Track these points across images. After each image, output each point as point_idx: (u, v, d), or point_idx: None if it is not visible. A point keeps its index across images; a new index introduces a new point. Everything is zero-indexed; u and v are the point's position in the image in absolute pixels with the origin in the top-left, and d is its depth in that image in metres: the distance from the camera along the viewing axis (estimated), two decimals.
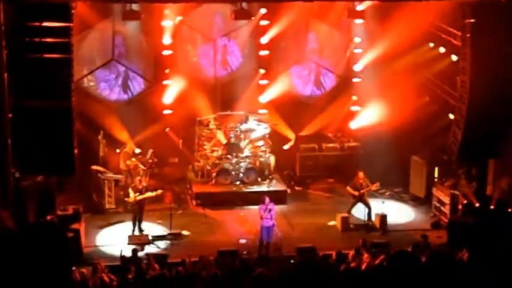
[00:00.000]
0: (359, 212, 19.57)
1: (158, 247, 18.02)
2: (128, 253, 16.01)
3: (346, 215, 19.37)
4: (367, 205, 19.47)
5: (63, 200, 18.40)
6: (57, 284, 12.69)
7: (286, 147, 23.63)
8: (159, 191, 19.34)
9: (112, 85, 23.44)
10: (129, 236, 18.28)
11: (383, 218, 19.22)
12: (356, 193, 19.40)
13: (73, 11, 16.53)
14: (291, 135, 23.73)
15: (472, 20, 17.95)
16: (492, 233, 15.68)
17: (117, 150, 21.83)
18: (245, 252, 16.75)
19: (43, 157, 16.08)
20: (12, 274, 12.85)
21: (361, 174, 19.50)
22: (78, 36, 19.72)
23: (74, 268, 14.21)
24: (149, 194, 18.86)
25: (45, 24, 15.79)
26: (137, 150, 21.83)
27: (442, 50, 20.82)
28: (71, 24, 16.26)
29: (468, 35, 18.25)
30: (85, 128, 21.09)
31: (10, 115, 15.50)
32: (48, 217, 16.48)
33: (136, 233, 18.55)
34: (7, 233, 14.33)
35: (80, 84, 22.00)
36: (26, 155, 15.88)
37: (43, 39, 15.77)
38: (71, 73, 16.39)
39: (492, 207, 17.73)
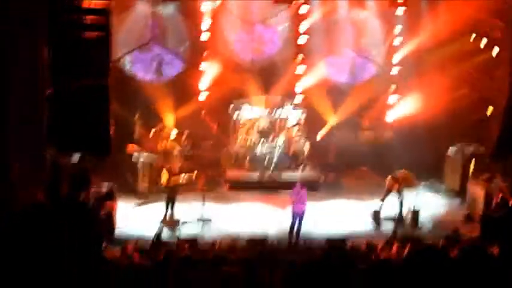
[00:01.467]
0: (392, 203, 19.42)
1: (189, 231, 18.12)
2: (158, 235, 16.10)
3: (379, 205, 19.22)
4: (401, 196, 19.28)
5: (98, 180, 18.55)
6: (88, 262, 12.81)
7: (319, 135, 23.42)
8: (194, 173, 19.42)
9: (147, 67, 23.52)
10: (162, 219, 18.38)
11: (416, 210, 19.06)
12: (396, 185, 19.13)
13: None
14: (326, 123, 23.59)
15: None
16: None
17: (152, 131, 21.95)
18: (276, 241, 16.69)
19: (79, 136, 16.17)
20: (44, 251, 13.03)
21: (405, 172, 19.20)
22: (117, 16, 19.79)
23: (105, 246, 14.37)
24: (183, 176, 18.91)
25: (85, 3, 15.89)
26: (173, 132, 21.93)
27: (483, 41, 20.50)
28: (111, 3, 16.33)
29: (510, 26, 17.91)
30: (121, 108, 21.28)
31: (49, 91, 15.61)
32: (83, 195, 16.63)
33: (169, 215, 18.66)
34: (41, 208, 14.49)
35: (117, 65, 22.12)
36: (62, 133, 16.00)
37: (82, 18, 15.86)
38: (109, 52, 16.45)
39: None
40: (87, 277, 12.11)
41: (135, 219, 18.73)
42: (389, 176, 19.38)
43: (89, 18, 15.90)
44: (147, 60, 23.50)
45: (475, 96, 21.37)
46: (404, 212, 19.22)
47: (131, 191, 20.45)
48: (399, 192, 19.19)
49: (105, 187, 18.18)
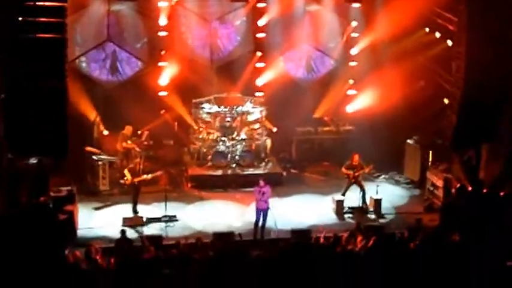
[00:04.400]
0: (354, 195, 19.60)
1: (153, 229, 18.01)
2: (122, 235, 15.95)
3: (341, 198, 19.39)
4: (362, 188, 19.50)
5: (57, 182, 18.34)
6: (50, 265, 12.66)
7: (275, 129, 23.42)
8: (158, 173, 19.34)
9: (101, 66, 23.27)
10: (124, 218, 18.26)
11: (377, 201, 19.29)
12: (350, 173, 19.42)
13: None
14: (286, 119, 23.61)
15: (467, 5, 17.91)
16: (484, 216, 15.75)
17: (105, 132, 21.84)
18: (239, 234, 16.67)
19: (36, 138, 15.97)
20: (4, 256, 12.84)
21: (356, 157, 19.53)
22: (73, 16, 19.56)
23: (67, 250, 14.20)
24: (147, 176, 18.83)
25: (40, 3, 15.66)
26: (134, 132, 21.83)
27: (437, 34, 20.78)
28: (66, 4, 16.14)
29: (463, 20, 18.20)
30: (79, 109, 21.09)
31: (2, 96, 15.37)
32: (41, 198, 16.43)
33: (132, 214, 18.55)
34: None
35: (74, 65, 21.88)
36: (19, 136, 15.78)
37: (37, 19, 15.63)
38: (65, 54, 16.27)
39: (485, 191, 17.77)
40: (50, 280, 11.98)
41: (97, 220, 18.57)
42: (343, 168, 19.61)
43: (45, 18, 15.70)
44: (104, 60, 23.22)
45: (431, 88, 21.63)
46: (366, 202, 19.46)
47: (92, 192, 20.26)
48: (356, 180, 19.39)
49: (65, 190, 18.00)
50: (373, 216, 19.14)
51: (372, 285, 11.97)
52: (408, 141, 21.89)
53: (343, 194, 19.53)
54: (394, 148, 22.17)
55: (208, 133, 22.26)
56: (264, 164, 22.12)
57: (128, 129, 21.50)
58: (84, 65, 23.10)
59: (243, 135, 22.25)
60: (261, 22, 23.39)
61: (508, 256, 13.30)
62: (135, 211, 18.64)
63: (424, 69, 21.90)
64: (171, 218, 18.49)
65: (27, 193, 16.25)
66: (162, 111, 23.02)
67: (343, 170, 19.67)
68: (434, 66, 21.31)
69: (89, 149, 20.83)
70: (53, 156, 17.00)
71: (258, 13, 23.38)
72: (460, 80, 18.48)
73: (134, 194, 18.73)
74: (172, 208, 18.85)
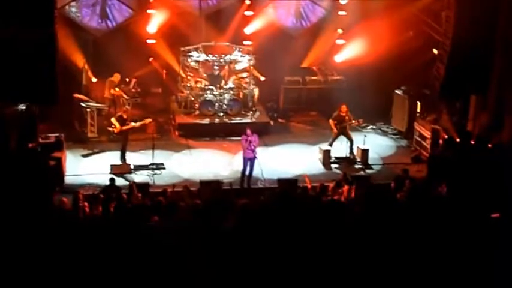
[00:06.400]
0: (341, 145, 19.67)
1: (140, 177, 18.07)
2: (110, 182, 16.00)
3: (327, 148, 19.47)
4: (349, 138, 19.57)
5: (45, 129, 18.33)
6: (37, 211, 12.71)
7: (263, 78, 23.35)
8: (148, 120, 19.35)
9: (92, 12, 23.04)
10: (112, 165, 18.29)
11: (364, 151, 19.38)
12: (335, 128, 19.46)
13: None
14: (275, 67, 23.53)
15: None
16: (471, 167, 15.87)
17: (94, 79, 21.73)
18: (226, 182, 16.74)
19: (25, 85, 15.86)
20: None
21: (343, 108, 19.54)
22: None
23: (55, 196, 14.26)
24: (135, 123, 18.87)
25: None
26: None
27: None
28: None
29: None
30: (68, 56, 20.91)
31: None
32: (30, 145, 16.42)
33: (120, 162, 18.60)
34: None
35: (63, 11, 21.63)
36: (8, 82, 15.67)
37: None
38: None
39: (472, 142, 17.88)
40: (37, 226, 12.03)
41: (85, 167, 18.60)
42: (330, 120, 19.65)
43: None
44: (94, 5, 22.96)
45: (421, 38, 21.54)
46: (354, 153, 19.55)
47: (80, 139, 20.23)
48: (343, 131, 19.44)
49: (53, 136, 17.99)
50: (360, 166, 19.25)
51: (357, 236, 12.08)
52: (396, 91, 21.88)
53: (331, 144, 19.60)
54: (382, 98, 22.16)
55: (196, 81, 22.18)
56: (251, 113, 22.11)
57: (116, 77, 21.41)
58: (74, 10, 22.91)
59: (230, 84, 22.18)
60: None
61: (493, 208, 13.46)
62: (123, 158, 18.67)
63: (414, 19, 21.75)
64: (159, 166, 18.57)
65: (16, 139, 16.23)
66: (151, 59, 22.91)
67: (330, 121, 19.68)
68: (424, 16, 21.17)
69: (77, 96, 20.77)
70: (42, 103, 16.94)
71: None
72: (450, 30, 18.38)
73: (123, 142, 18.75)
74: (159, 156, 18.92)
